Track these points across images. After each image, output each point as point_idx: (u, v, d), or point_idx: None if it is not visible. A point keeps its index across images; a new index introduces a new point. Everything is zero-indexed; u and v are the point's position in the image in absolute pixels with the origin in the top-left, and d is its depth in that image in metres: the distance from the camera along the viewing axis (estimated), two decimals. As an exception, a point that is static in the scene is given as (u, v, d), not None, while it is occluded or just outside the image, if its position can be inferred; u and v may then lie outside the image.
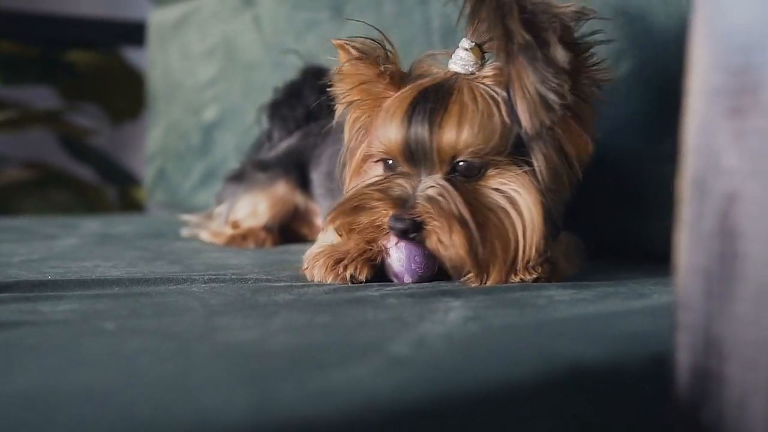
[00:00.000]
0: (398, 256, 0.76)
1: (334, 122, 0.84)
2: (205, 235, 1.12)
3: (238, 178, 1.13)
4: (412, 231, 0.73)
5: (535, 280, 0.75)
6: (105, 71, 2.14)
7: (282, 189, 1.08)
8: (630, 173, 0.92)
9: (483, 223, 0.73)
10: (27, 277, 0.76)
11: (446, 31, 1.09)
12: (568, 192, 0.77)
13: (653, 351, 0.51)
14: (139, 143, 1.97)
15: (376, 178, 0.76)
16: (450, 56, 0.78)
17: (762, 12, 0.43)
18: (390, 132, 0.75)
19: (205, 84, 1.56)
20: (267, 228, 1.08)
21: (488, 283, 0.74)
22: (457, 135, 0.73)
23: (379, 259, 0.76)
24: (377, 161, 0.78)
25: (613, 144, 0.93)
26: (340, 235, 0.77)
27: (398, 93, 0.77)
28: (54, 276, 0.78)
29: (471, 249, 0.71)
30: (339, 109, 0.82)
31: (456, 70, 0.76)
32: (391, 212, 0.74)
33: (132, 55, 2.18)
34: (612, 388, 0.48)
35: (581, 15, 0.74)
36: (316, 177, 1.05)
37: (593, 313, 0.61)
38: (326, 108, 0.87)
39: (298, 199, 1.08)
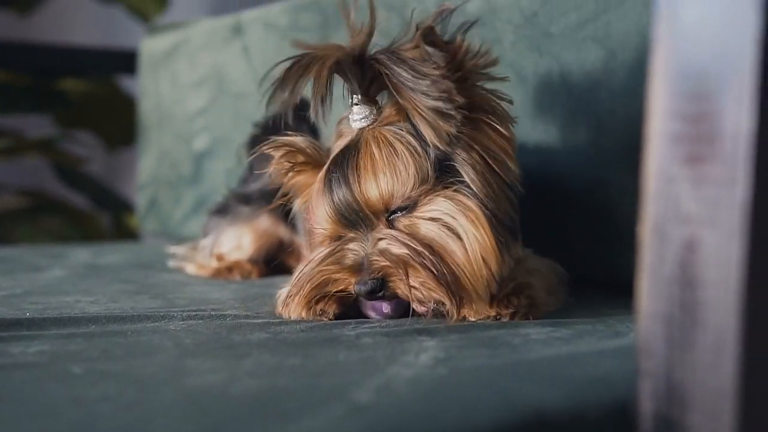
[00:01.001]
0: (370, 304, 0.77)
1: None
2: (190, 268, 1.12)
3: (222, 211, 1.13)
4: (379, 290, 0.73)
5: (513, 315, 0.75)
6: (99, 98, 2.14)
7: (265, 222, 1.08)
8: (613, 206, 0.92)
9: (436, 253, 0.72)
10: (5, 315, 0.76)
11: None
12: (511, 192, 0.77)
13: (619, 396, 0.50)
14: (133, 170, 1.97)
15: (327, 251, 0.76)
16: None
17: (718, 60, 0.43)
18: (319, 209, 0.76)
19: (196, 113, 1.57)
20: (252, 260, 1.08)
21: (466, 315, 0.74)
22: (377, 188, 0.73)
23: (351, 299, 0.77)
24: (323, 241, 0.78)
25: (593, 175, 0.93)
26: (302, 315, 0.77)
27: (321, 171, 0.78)
28: (32, 313, 0.78)
29: (439, 281, 0.71)
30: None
31: (359, 126, 0.77)
32: (352, 280, 0.74)
33: (126, 82, 2.19)
34: (573, 435, 0.48)
35: (441, 13, 0.74)
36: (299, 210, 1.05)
37: (565, 355, 0.61)
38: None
39: (282, 232, 1.08)
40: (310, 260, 0.78)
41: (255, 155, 0.84)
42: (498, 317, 0.75)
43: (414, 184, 0.74)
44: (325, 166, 0.77)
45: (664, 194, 0.45)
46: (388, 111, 0.76)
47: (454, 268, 0.72)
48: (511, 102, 0.78)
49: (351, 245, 0.75)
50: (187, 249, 1.18)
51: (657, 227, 0.45)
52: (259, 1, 1.58)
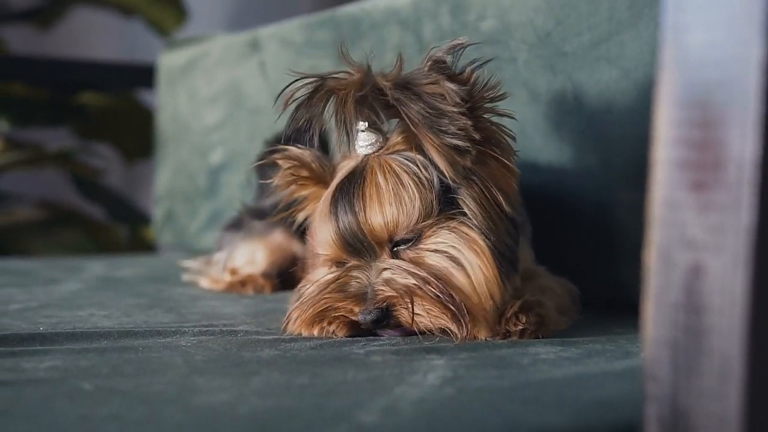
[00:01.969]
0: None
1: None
2: (204, 282, 1.13)
3: (236, 226, 1.13)
4: (384, 319, 0.74)
5: (522, 333, 0.75)
6: (117, 112, 2.16)
7: (279, 237, 1.09)
8: (623, 226, 0.92)
9: (441, 281, 0.73)
10: (19, 329, 0.77)
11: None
12: (510, 224, 0.77)
13: (625, 420, 0.50)
14: (151, 182, 1.98)
15: (330, 276, 0.77)
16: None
17: (723, 87, 0.43)
18: (324, 233, 0.77)
19: (212, 127, 1.58)
20: (265, 275, 1.09)
21: (475, 335, 0.74)
22: (382, 218, 0.74)
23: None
24: (325, 263, 0.79)
25: (604, 195, 0.93)
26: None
27: (326, 192, 0.78)
28: (46, 327, 0.79)
29: (445, 306, 0.72)
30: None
31: (365, 153, 0.77)
32: (356, 309, 0.74)
33: (144, 95, 2.20)
34: (578, 460, 0.48)
35: (454, 47, 0.74)
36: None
37: (573, 376, 0.61)
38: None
39: (296, 247, 1.08)
40: (313, 282, 0.78)
41: (264, 163, 0.85)
42: (507, 335, 0.75)
43: (419, 217, 0.74)
44: (331, 190, 0.77)
45: (670, 220, 0.45)
46: (395, 139, 0.77)
47: (459, 296, 0.72)
48: (514, 138, 0.78)
49: (355, 273, 0.75)
50: (200, 263, 1.18)
51: (663, 253, 0.45)
52: (276, 17, 1.59)
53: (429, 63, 0.73)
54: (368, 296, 0.74)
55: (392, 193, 0.74)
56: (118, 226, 2.19)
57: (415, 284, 0.72)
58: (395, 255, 0.75)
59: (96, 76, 1.89)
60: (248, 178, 1.17)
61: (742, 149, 0.42)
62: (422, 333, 0.73)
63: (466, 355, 0.68)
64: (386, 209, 0.74)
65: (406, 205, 0.74)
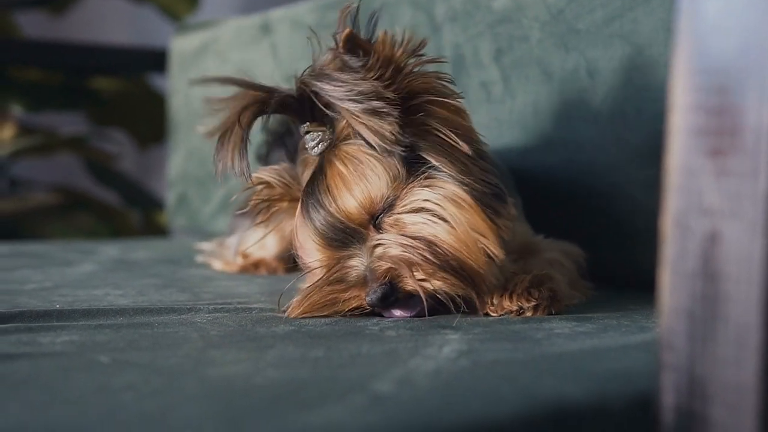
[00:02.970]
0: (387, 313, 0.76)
1: None
2: (217, 264, 1.13)
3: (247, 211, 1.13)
4: (391, 293, 0.73)
5: (535, 308, 0.75)
6: (130, 97, 2.16)
7: (290, 223, 1.08)
8: (638, 203, 0.92)
9: (430, 244, 0.72)
10: (35, 306, 0.77)
11: (458, 60, 1.09)
12: (483, 160, 0.76)
13: (640, 390, 0.50)
14: (164, 167, 1.99)
15: (327, 271, 0.75)
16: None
17: (740, 54, 0.42)
18: (307, 242, 0.76)
19: (225, 111, 1.58)
20: (278, 259, 1.09)
21: (488, 311, 0.74)
22: (353, 199, 0.73)
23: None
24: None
25: (619, 171, 0.93)
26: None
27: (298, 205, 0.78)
28: (62, 305, 0.79)
29: (444, 270, 0.71)
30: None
31: (319, 152, 0.77)
32: (362, 294, 0.74)
33: (157, 80, 2.21)
34: (593, 428, 0.48)
35: (345, 16, 0.74)
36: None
37: (589, 349, 0.61)
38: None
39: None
40: (315, 279, 0.77)
41: (239, 211, 0.89)
42: (521, 311, 0.75)
43: (387, 184, 0.74)
44: (301, 200, 0.77)
45: (687, 187, 0.45)
46: (341, 126, 0.76)
47: (452, 252, 0.72)
48: (452, 81, 0.77)
49: (350, 262, 0.75)
50: (214, 245, 1.19)
51: (679, 220, 0.45)
52: (287, 0, 1.58)
53: (332, 46, 0.74)
54: (369, 277, 0.73)
55: (355, 173, 0.74)
56: (132, 211, 2.20)
57: (405, 253, 0.72)
58: (378, 228, 0.75)
59: (108, 60, 1.90)
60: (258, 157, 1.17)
61: (760, 116, 0.42)
62: (433, 312, 0.73)
63: (480, 329, 0.68)
64: (354, 190, 0.73)
65: (371, 180, 0.74)
